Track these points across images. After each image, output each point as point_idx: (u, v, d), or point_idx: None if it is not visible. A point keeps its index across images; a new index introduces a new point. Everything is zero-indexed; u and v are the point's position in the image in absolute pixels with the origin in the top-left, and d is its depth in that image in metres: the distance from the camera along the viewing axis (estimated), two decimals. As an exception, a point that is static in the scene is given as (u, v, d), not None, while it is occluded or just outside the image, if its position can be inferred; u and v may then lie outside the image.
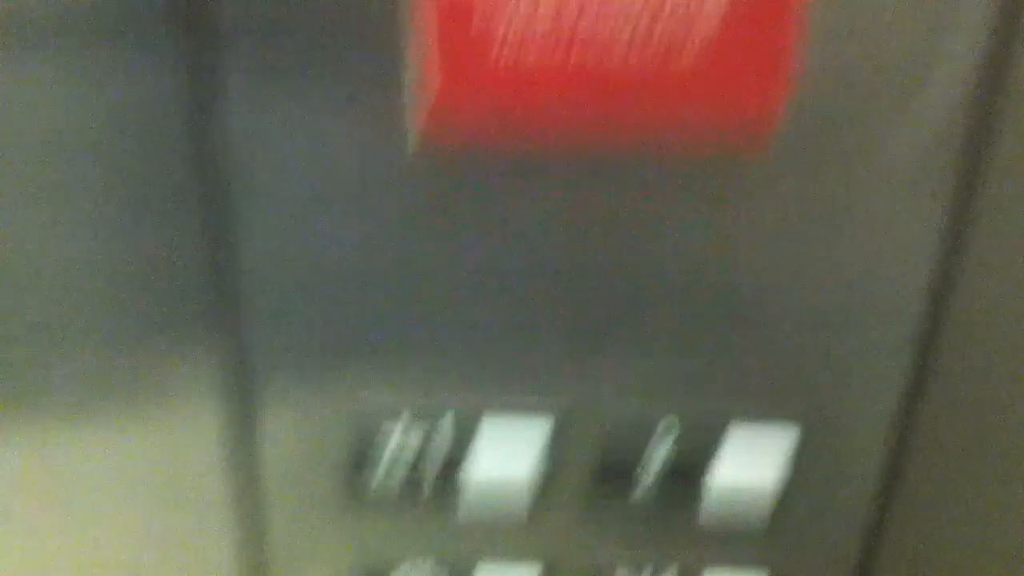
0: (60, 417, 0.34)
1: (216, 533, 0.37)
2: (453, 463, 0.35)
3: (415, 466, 0.35)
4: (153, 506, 0.37)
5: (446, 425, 0.35)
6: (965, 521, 0.37)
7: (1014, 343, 0.33)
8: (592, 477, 0.36)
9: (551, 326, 0.33)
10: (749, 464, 0.35)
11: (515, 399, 0.35)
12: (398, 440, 0.35)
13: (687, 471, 0.35)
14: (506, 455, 0.35)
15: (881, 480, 0.36)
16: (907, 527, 0.38)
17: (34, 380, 0.34)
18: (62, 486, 0.36)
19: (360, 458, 0.35)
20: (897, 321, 0.32)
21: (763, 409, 0.35)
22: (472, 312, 0.33)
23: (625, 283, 0.32)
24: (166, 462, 0.35)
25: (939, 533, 0.38)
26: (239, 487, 0.36)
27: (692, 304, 0.33)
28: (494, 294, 0.33)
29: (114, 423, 0.35)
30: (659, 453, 0.35)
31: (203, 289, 0.32)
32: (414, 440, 0.35)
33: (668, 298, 0.33)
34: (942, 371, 0.34)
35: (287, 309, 0.32)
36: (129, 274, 0.32)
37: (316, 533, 0.37)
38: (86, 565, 0.38)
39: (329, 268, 0.32)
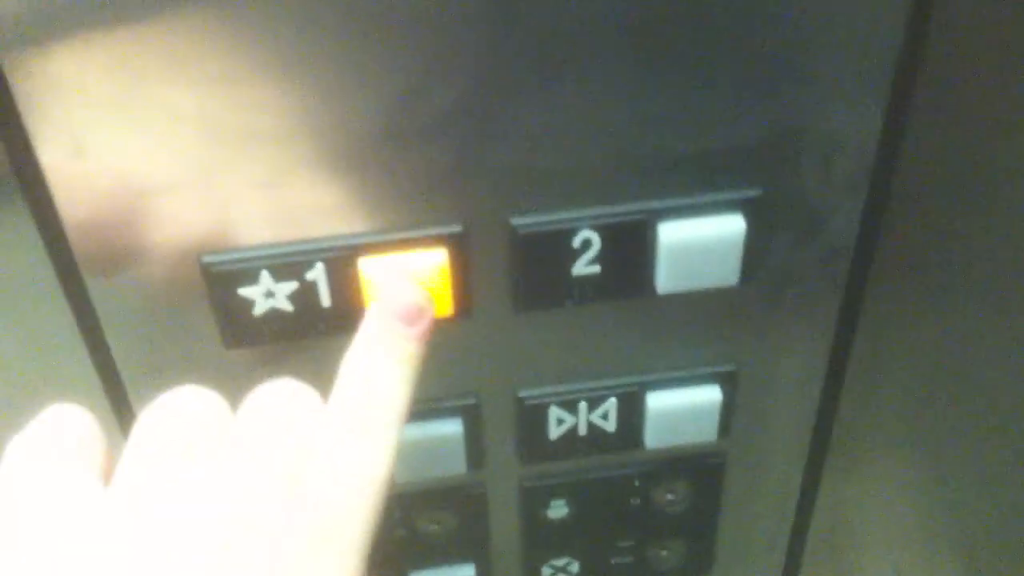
0: None
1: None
2: (339, 312, 0.29)
3: (295, 323, 0.29)
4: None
5: (318, 275, 0.28)
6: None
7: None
8: (514, 294, 0.30)
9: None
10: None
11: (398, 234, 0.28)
12: (266, 309, 0.29)
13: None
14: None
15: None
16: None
17: None
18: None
19: (228, 321, 0.29)
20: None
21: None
22: (327, 132, 0.26)
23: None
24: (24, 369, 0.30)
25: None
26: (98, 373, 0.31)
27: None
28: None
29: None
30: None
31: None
32: (284, 301, 0.29)
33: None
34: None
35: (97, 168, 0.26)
36: None
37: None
38: None
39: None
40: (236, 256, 0.28)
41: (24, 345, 0.30)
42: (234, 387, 0.31)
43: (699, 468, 0.36)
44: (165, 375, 0.31)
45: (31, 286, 0.29)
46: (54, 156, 0.26)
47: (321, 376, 0.32)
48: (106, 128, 0.25)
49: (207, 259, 0.28)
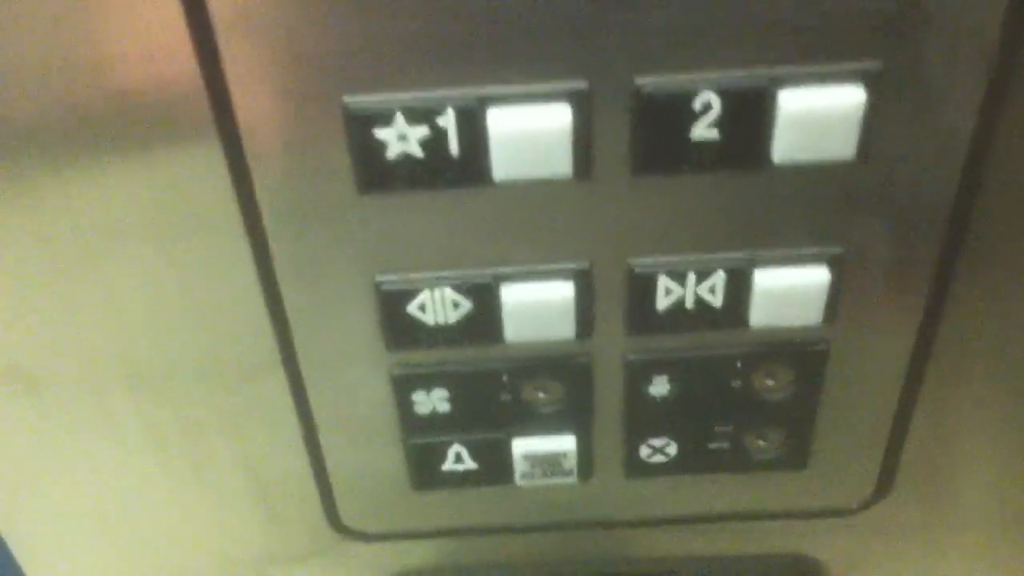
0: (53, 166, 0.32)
1: (225, 256, 0.34)
2: (466, 163, 0.31)
3: (425, 170, 0.31)
4: (159, 242, 0.34)
5: (448, 122, 0.30)
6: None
7: None
8: (633, 156, 0.31)
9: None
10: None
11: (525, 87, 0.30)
12: (399, 153, 0.30)
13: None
14: (525, 146, 0.30)
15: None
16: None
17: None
18: (68, 236, 0.34)
19: (362, 162, 0.31)
20: None
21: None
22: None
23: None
24: (166, 196, 0.33)
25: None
26: (241, 211, 0.33)
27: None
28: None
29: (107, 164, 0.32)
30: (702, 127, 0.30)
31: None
32: (415, 146, 0.30)
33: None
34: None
35: (258, 11, 0.28)
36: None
37: (325, 247, 0.34)
38: (101, 310, 0.36)
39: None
40: (374, 98, 0.30)
41: (173, 184, 0.32)
42: (367, 235, 0.33)
43: (802, 354, 0.37)
44: (305, 220, 0.33)
45: (187, 123, 0.31)
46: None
47: (445, 230, 0.33)
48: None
49: (347, 99, 0.30)
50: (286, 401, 0.39)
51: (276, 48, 0.29)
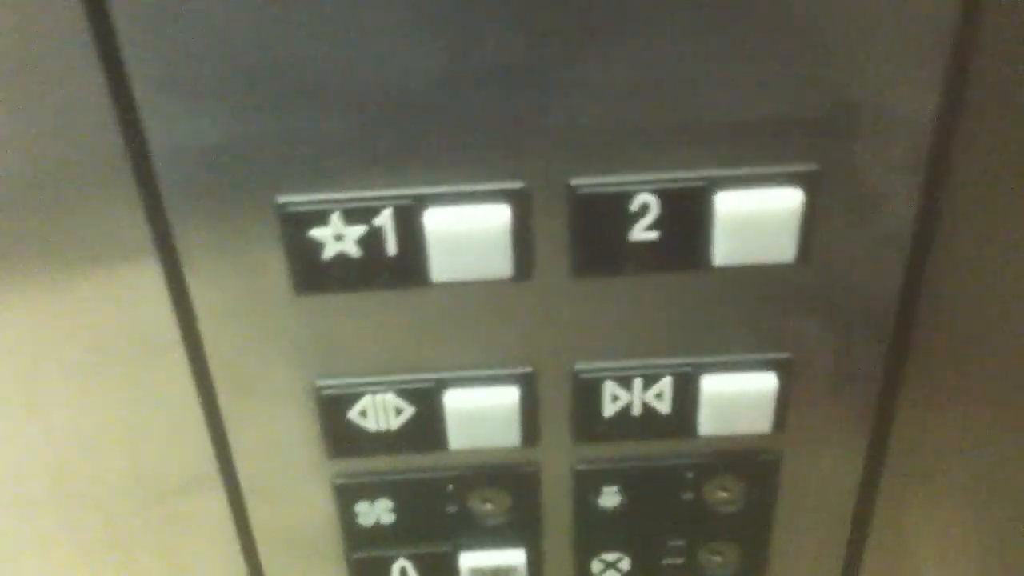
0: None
1: (161, 364, 0.33)
2: (404, 263, 0.30)
3: (362, 270, 0.31)
4: (92, 353, 0.33)
5: (386, 221, 0.30)
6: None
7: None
8: (573, 257, 0.31)
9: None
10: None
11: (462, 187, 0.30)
12: (335, 252, 0.30)
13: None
14: (464, 246, 0.30)
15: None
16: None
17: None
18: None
19: (298, 263, 0.31)
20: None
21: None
22: (393, 84, 0.28)
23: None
24: (100, 306, 0.32)
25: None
26: (176, 317, 0.32)
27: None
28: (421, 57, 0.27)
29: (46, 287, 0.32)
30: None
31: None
32: (352, 245, 0.30)
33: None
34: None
35: (189, 112, 0.28)
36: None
37: (263, 351, 0.33)
38: (33, 422, 0.35)
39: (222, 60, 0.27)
40: (309, 198, 0.29)
41: (106, 291, 0.32)
42: (305, 338, 0.33)
43: (753, 464, 0.36)
44: (242, 324, 0.33)
45: (120, 226, 0.31)
46: (147, 89, 0.28)
47: (386, 333, 0.33)
48: (197, 61, 0.27)
49: (281, 199, 0.30)
50: (224, 514, 0.38)
51: (209, 148, 0.29)
